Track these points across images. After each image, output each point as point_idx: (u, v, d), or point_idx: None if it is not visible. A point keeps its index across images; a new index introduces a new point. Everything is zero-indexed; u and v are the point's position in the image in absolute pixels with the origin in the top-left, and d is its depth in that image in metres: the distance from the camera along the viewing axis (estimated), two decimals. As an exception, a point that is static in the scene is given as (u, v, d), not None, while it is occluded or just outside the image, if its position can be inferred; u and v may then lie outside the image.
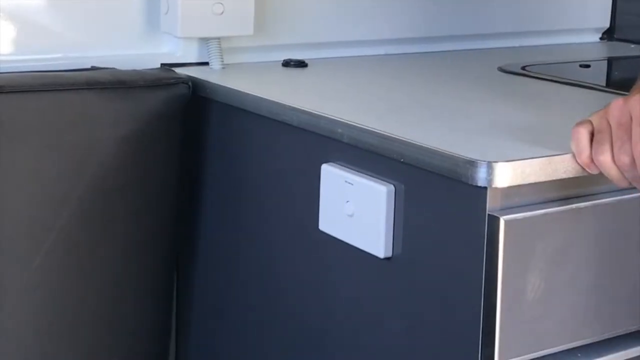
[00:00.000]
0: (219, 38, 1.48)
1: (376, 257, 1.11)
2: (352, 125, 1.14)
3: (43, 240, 1.28)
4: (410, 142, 1.07)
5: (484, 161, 0.99)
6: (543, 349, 1.05)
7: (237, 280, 1.37)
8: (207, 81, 1.39)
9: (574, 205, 1.05)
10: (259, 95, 1.30)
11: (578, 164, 1.00)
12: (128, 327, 1.38)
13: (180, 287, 1.47)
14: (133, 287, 1.37)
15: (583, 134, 0.99)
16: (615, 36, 1.91)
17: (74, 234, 1.30)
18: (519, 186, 1.01)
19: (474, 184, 1.00)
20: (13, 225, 1.27)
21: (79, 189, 1.29)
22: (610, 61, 1.77)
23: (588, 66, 1.62)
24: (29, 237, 1.28)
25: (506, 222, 1.00)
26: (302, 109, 1.22)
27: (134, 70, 1.38)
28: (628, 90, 1.35)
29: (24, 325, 1.30)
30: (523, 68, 1.54)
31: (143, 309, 1.39)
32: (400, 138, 1.08)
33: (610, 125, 0.97)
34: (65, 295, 1.31)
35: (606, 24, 1.92)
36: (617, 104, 0.98)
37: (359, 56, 1.62)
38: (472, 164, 1.00)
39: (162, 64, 1.46)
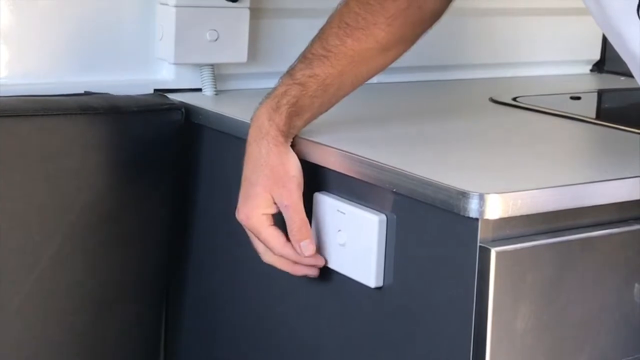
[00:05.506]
0: (212, 65, 1.49)
1: (367, 287, 1.11)
2: (345, 154, 1.15)
3: (34, 264, 1.28)
4: (402, 172, 1.07)
5: (476, 192, 0.99)
6: (533, 381, 1.06)
7: (227, 307, 1.37)
8: (200, 107, 1.39)
9: (564, 238, 1.05)
10: (251, 122, 1.30)
11: None
12: (116, 351, 1.37)
13: (170, 312, 1.47)
14: (124, 312, 1.37)
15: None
16: (605, 68, 1.92)
17: (65, 259, 1.29)
18: (510, 218, 1.01)
19: (466, 215, 1.00)
20: (3, 250, 1.26)
21: (70, 213, 1.29)
22: (601, 93, 1.78)
23: (579, 98, 1.63)
24: (19, 262, 1.27)
25: (497, 253, 1.00)
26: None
27: (127, 96, 1.38)
28: (617, 122, 1.37)
29: (12, 348, 1.29)
30: (514, 99, 1.55)
31: (132, 336, 1.38)
32: (393, 168, 1.08)
33: None
34: (54, 321, 1.31)
35: (597, 56, 1.93)
36: None
37: (351, 84, 1.62)
38: (464, 195, 1.00)
39: (155, 90, 1.46)
